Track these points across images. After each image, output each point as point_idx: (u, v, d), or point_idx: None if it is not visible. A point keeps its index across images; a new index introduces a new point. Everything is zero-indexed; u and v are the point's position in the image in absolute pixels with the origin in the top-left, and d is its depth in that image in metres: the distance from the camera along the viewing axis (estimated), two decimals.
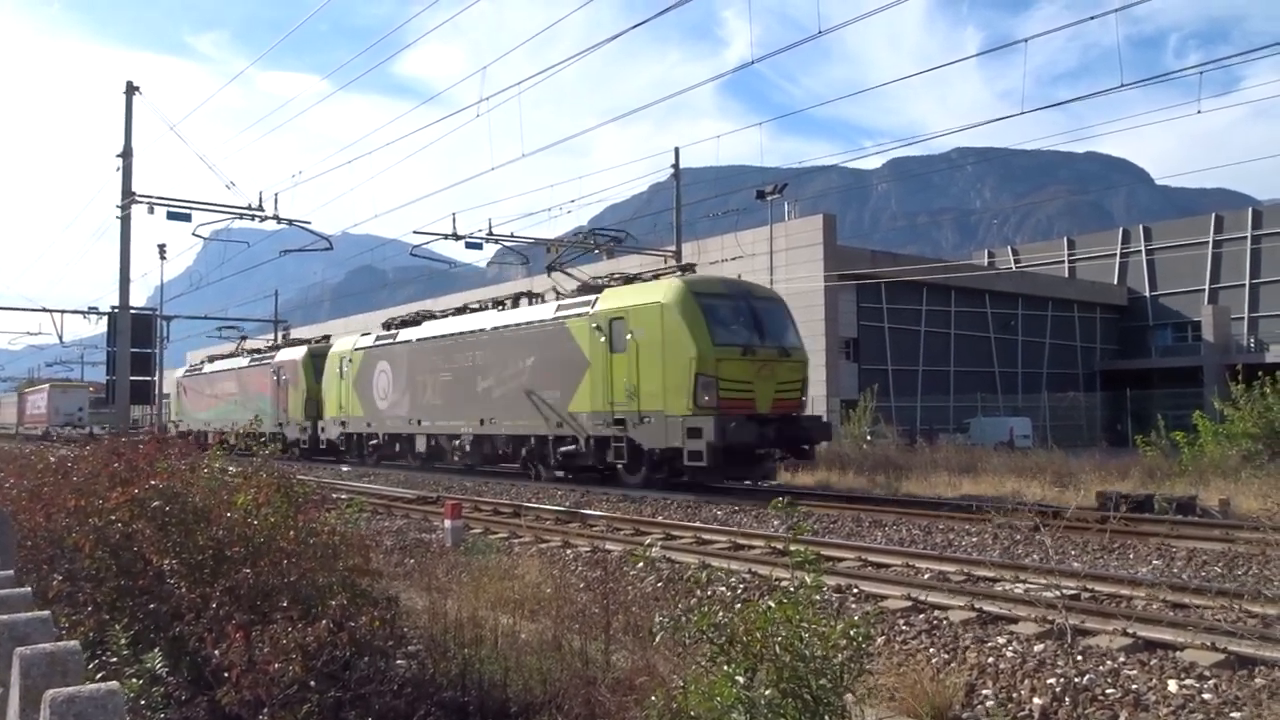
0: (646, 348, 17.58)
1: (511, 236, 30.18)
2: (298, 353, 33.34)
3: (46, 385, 64.39)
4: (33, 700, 2.41)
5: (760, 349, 17.51)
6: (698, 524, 13.26)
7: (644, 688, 4.72)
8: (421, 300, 56.24)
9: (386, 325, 28.54)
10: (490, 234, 28.97)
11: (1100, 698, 5.52)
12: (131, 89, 24.19)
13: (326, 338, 35.68)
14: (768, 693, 3.68)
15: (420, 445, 25.07)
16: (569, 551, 11.34)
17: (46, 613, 3.41)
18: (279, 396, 33.37)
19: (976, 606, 7.45)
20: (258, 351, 38.59)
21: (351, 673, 4.47)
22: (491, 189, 30.66)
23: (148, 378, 32.79)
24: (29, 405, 66.25)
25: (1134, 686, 5.59)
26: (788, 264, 36.03)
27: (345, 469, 26.26)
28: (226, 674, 4.11)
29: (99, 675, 4.05)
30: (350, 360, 28.57)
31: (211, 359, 43.20)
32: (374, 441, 27.52)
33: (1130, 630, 6.44)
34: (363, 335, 29.30)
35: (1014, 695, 5.69)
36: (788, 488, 18.54)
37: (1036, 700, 5.54)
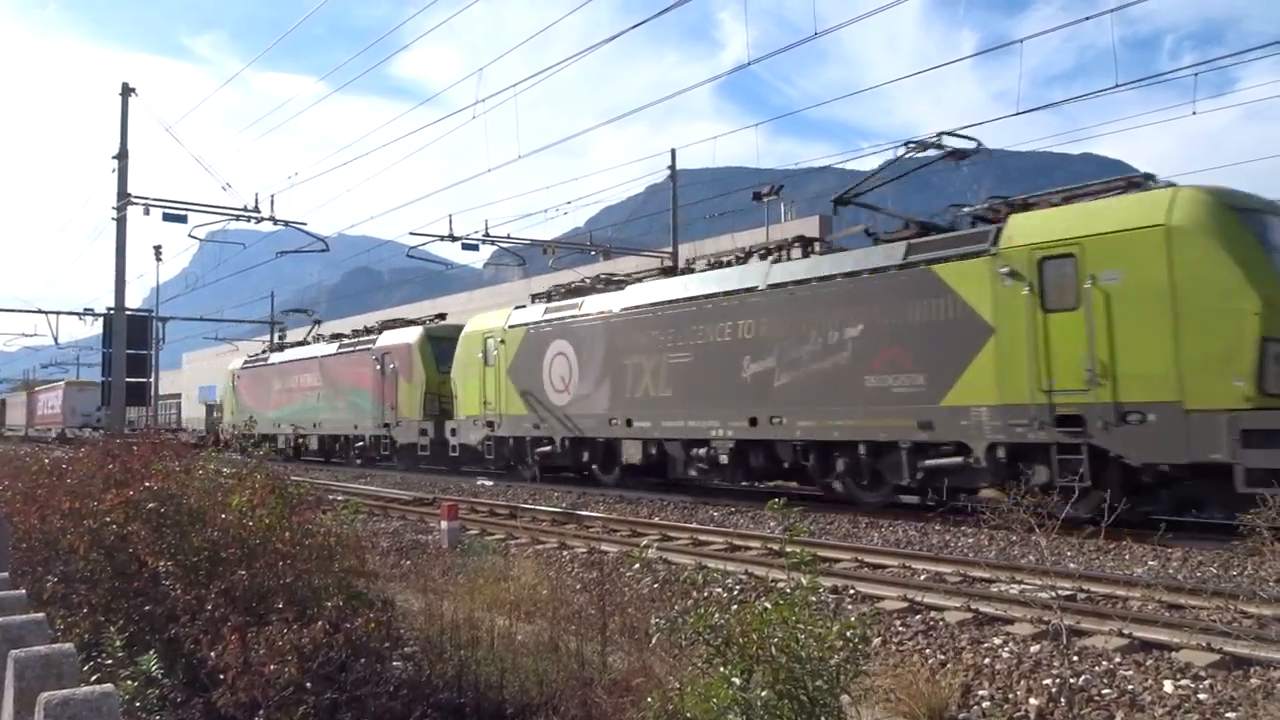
0: (1130, 299, 11.33)
1: (508, 238, 30.23)
2: (410, 335, 26.62)
3: (61, 383, 58.74)
4: (27, 703, 2.41)
5: None
6: (694, 525, 13.26)
7: (640, 689, 4.72)
8: (418, 302, 55.91)
9: (548, 295, 21.93)
10: (487, 235, 29.00)
11: (1096, 698, 5.53)
12: (127, 90, 24.15)
13: (442, 316, 29.27)
14: (764, 694, 3.68)
15: (631, 453, 18.20)
16: (565, 553, 11.34)
17: (41, 615, 3.40)
18: (384, 390, 26.89)
19: (973, 607, 7.46)
20: (344, 336, 32.15)
21: (348, 674, 4.47)
22: (488, 190, 30.59)
23: (143, 379, 32.64)
24: (41, 405, 60.70)
25: (1130, 687, 5.60)
26: None
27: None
28: (222, 676, 4.11)
29: (94, 678, 4.05)
30: (502, 341, 21.59)
31: (279, 347, 36.86)
32: (545, 448, 20.37)
33: (1126, 631, 6.45)
34: (518, 308, 22.20)
35: (1010, 696, 5.70)
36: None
37: (1033, 701, 5.55)
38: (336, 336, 32.43)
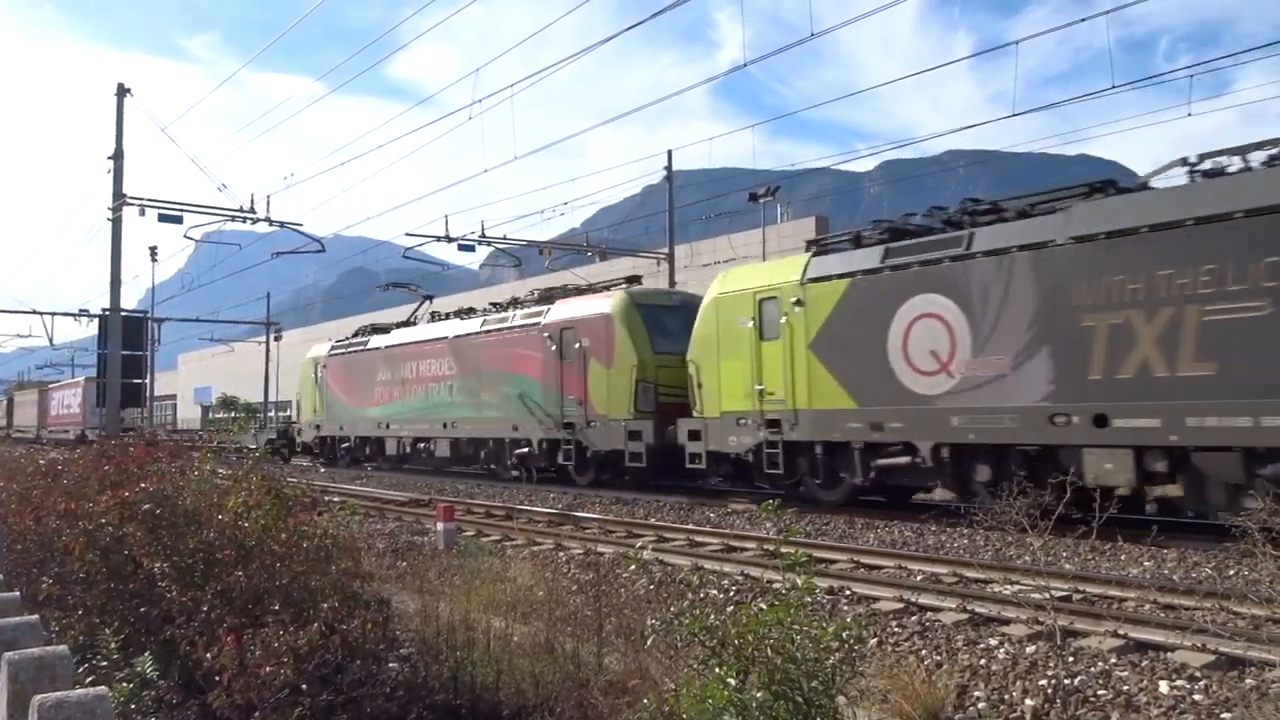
0: None
1: (504, 239, 30.26)
2: (606, 302, 19.45)
3: (80, 380, 52.84)
4: (21, 705, 2.41)
5: None
6: (690, 526, 13.27)
7: (636, 690, 4.73)
8: (414, 303, 55.67)
9: (856, 238, 15.12)
10: (483, 236, 29.02)
11: (1092, 699, 5.54)
12: (123, 91, 24.14)
13: (636, 279, 21.19)
14: (759, 695, 3.68)
15: (1105, 469, 11.19)
16: (562, 554, 11.33)
17: (35, 617, 3.40)
18: (563, 379, 19.89)
19: (968, 608, 7.48)
20: (474, 310, 25.27)
21: (343, 676, 4.47)
22: (484, 191, 30.52)
23: (139, 380, 32.50)
24: (56, 404, 55.89)
25: (1125, 688, 5.61)
26: None
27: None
28: (218, 677, 4.10)
29: (89, 679, 4.05)
30: (797, 302, 14.90)
31: (374, 329, 29.43)
32: (893, 459, 13.71)
33: (1121, 631, 6.46)
34: (816, 255, 15.38)
35: (1006, 697, 5.71)
36: None
37: (1028, 701, 5.56)
38: (468, 311, 25.31)
